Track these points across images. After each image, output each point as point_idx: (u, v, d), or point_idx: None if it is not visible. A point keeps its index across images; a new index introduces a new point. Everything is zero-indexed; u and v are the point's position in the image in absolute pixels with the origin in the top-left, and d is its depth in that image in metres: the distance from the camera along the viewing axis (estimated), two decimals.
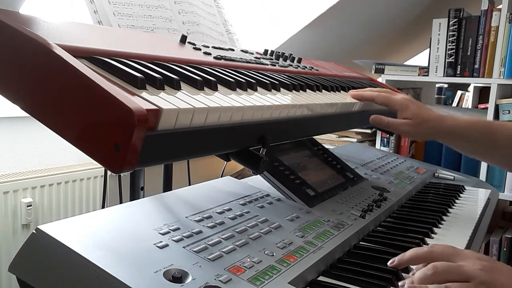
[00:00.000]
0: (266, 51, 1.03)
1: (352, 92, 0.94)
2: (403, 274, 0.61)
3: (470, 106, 2.29)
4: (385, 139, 2.05)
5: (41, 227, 0.50)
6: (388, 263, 0.62)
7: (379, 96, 0.92)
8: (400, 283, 0.59)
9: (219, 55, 0.79)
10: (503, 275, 0.56)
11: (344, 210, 0.79)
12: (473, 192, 1.14)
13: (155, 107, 0.44)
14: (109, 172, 1.13)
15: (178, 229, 0.58)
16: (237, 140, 0.59)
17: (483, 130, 0.91)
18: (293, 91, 0.77)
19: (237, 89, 0.63)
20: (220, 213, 0.66)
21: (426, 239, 0.76)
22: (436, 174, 1.27)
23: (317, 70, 1.09)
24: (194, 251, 0.53)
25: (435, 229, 0.82)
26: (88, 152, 0.45)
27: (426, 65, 2.01)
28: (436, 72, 1.95)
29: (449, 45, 1.91)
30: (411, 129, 0.90)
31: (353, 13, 2.07)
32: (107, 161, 0.43)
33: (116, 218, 0.59)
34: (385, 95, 0.93)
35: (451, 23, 1.90)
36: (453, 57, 1.91)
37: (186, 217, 0.62)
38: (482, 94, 2.14)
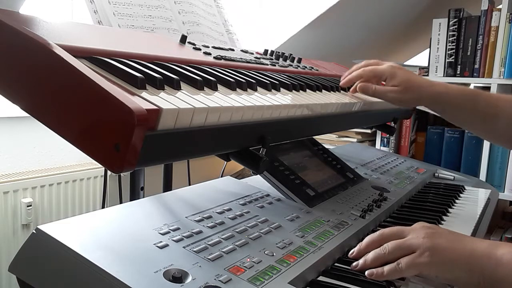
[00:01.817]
0: (266, 51, 1.03)
1: (341, 82, 0.93)
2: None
3: None
4: (385, 139, 2.05)
5: (41, 227, 0.50)
6: (349, 254, 0.65)
7: (365, 71, 0.91)
8: (353, 264, 0.62)
9: (219, 55, 0.79)
10: (443, 238, 0.61)
11: (344, 210, 0.79)
12: (473, 192, 1.14)
13: (155, 107, 0.44)
14: (109, 172, 1.13)
15: (178, 229, 0.58)
16: (237, 140, 0.59)
17: (472, 99, 0.89)
18: (293, 91, 0.77)
19: (237, 89, 0.64)
20: (220, 213, 0.66)
21: None
22: (436, 174, 1.27)
23: (317, 70, 1.09)
24: (194, 251, 0.53)
25: None
26: (88, 152, 0.45)
27: (426, 65, 2.01)
28: (436, 72, 1.95)
29: (449, 45, 1.91)
30: (398, 96, 0.88)
31: (353, 13, 2.07)
32: (107, 161, 0.43)
33: (116, 218, 0.59)
34: (371, 67, 0.91)
35: (451, 23, 1.90)
36: (453, 57, 1.91)
37: (186, 217, 0.62)
38: None
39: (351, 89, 0.93)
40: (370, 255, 0.62)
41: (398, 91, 0.87)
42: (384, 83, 0.91)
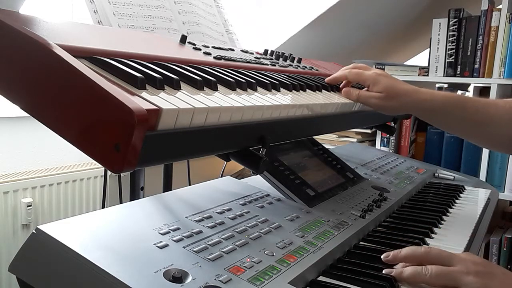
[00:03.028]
0: (266, 51, 1.03)
1: (327, 79, 0.92)
2: None
3: None
4: (385, 139, 2.05)
5: (41, 227, 0.50)
6: (383, 256, 0.63)
7: (350, 73, 0.90)
8: (388, 270, 0.59)
9: (219, 55, 0.79)
10: (496, 280, 0.55)
11: (344, 210, 0.79)
12: (473, 192, 1.14)
13: (155, 107, 0.44)
14: (109, 172, 1.13)
15: (178, 229, 0.58)
16: (237, 140, 0.59)
17: (460, 105, 0.87)
18: (293, 91, 0.77)
19: (237, 89, 0.63)
20: (220, 213, 0.66)
21: (426, 239, 0.76)
22: (436, 174, 1.27)
23: (317, 70, 1.09)
24: (194, 251, 0.53)
25: (435, 229, 0.82)
26: (88, 152, 0.45)
27: (426, 65, 2.01)
28: (436, 72, 1.95)
29: (449, 45, 1.91)
30: (381, 102, 0.86)
31: (353, 13, 2.07)
32: (107, 161, 0.43)
33: (116, 218, 0.59)
34: (357, 71, 0.90)
35: (451, 23, 1.90)
36: (453, 57, 1.91)
37: (186, 217, 0.62)
38: (482, 94, 2.14)
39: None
40: (409, 270, 0.58)
41: (380, 97, 0.86)
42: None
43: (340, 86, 0.93)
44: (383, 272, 0.60)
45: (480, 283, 0.54)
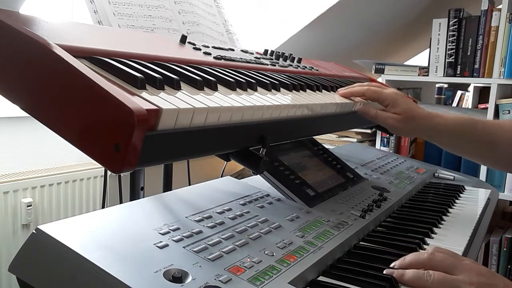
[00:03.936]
0: (266, 51, 1.03)
1: (340, 90, 0.91)
2: None
3: (470, 106, 2.29)
4: (385, 139, 2.05)
5: (41, 227, 0.50)
6: (390, 266, 0.62)
7: (369, 91, 0.90)
8: (389, 271, 0.60)
9: (219, 55, 0.79)
10: None
11: (344, 210, 0.79)
12: (473, 192, 1.14)
13: (155, 107, 0.44)
14: (109, 172, 1.13)
15: (178, 229, 0.58)
16: (237, 140, 0.59)
17: (469, 127, 0.90)
18: (293, 91, 0.77)
19: (237, 89, 0.64)
20: (220, 213, 0.66)
21: (426, 239, 0.76)
22: (436, 174, 1.27)
23: (317, 70, 1.09)
24: (194, 251, 0.53)
25: (435, 229, 0.82)
26: (88, 152, 0.45)
27: (426, 65, 2.01)
28: (436, 72, 1.95)
29: (449, 45, 1.91)
30: (398, 124, 0.88)
31: (353, 13, 2.07)
32: (107, 161, 0.43)
33: (116, 218, 0.59)
34: (375, 89, 0.91)
35: (451, 23, 1.90)
36: (453, 57, 1.91)
37: (186, 217, 0.62)
38: (482, 94, 2.14)
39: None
40: (411, 273, 0.58)
41: (399, 119, 0.88)
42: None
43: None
44: (384, 272, 0.60)
45: None
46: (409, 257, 0.61)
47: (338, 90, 0.92)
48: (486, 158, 0.96)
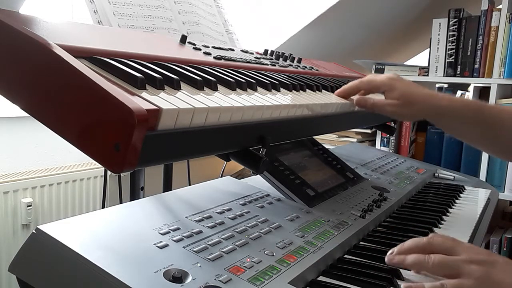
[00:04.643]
0: (266, 51, 1.03)
1: (336, 92, 0.89)
2: (402, 274, 0.61)
3: None
4: (385, 139, 2.05)
5: (41, 227, 0.50)
6: (388, 254, 0.63)
7: (362, 83, 0.86)
8: (389, 257, 0.60)
9: (219, 55, 0.79)
10: (498, 268, 0.56)
11: (344, 210, 0.79)
12: (473, 192, 1.14)
13: (155, 107, 0.44)
14: (109, 172, 1.13)
15: (178, 229, 0.58)
16: (237, 140, 0.59)
17: (475, 111, 0.84)
18: (293, 91, 0.77)
19: (237, 89, 0.64)
20: (220, 213, 0.66)
21: None
22: (436, 174, 1.27)
23: (317, 70, 1.09)
24: (194, 251, 0.53)
25: (435, 229, 0.82)
26: (88, 152, 0.45)
27: (426, 65, 2.01)
28: (436, 72, 1.95)
29: (449, 45, 1.91)
30: (398, 110, 0.83)
31: (353, 13, 2.07)
32: (107, 161, 0.43)
33: (116, 218, 0.59)
34: (368, 78, 0.87)
35: (451, 23, 1.90)
36: (453, 57, 1.91)
37: (186, 217, 0.62)
38: (482, 94, 2.14)
39: (337, 91, 0.89)
40: (411, 258, 0.58)
41: (398, 104, 0.82)
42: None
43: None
44: (386, 259, 0.60)
45: (482, 270, 0.55)
46: (408, 243, 0.62)
47: (335, 91, 0.90)
48: (490, 145, 0.90)
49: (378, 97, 0.87)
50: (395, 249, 0.62)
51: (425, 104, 0.83)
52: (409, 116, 0.87)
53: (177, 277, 0.47)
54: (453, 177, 1.26)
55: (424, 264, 0.58)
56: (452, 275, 0.56)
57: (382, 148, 2.04)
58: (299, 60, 1.07)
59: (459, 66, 1.91)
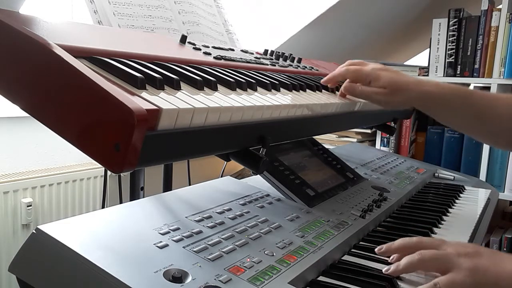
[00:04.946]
0: (266, 51, 1.03)
1: (323, 79, 0.89)
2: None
3: None
4: (385, 139, 2.05)
5: (41, 227, 0.50)
6: (376, 250, 0.64)
7: (348, 71, 0.86)
8: (384, 269, 0.61)
9: (219, 55, 0.79)
10: (485, 258, 0.58)
11: (344, 210, 0.79)
12: (473, 192, 1.14)
13: (155, 107, 0.44)
14: (109, 172, 1.13)
15: (178, 229, 0.58)
16: (237, 140, 0.59)
17: (465, 97, 0.84)
18: (293, 91, 0.77)
19: (237, 89, 0.64)
20: (220, 213, 0.66)
21: None
22: (436, 174, 1.27)
23: (317, 70, 1.09)
24: (194, 251, 0.53)
25: (435, 229, 0.82)
26: (88, 152, 0.45)
27: (426, 65, 2.01)
28: (436, 72, 1.95)
29: (449, 45, 1.91)
30: (384, 98, 0.83)
31: (353, 13, 2.07)
32: (107, 161, 0.43)
33: (116, 218, 0.59)
34: (355, 68, 0.86)
35: (451, 23, 1.90)
36: (453, 57, 1.91)
37: (186, 217, 0.62)
38: None
39: (338, 94, 0.89)
40: (404, 261, 0.60)
41: (384, 93, 0.82)
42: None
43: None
44: (383, 271, 0.61)
45: (470, 261, 0.57)
46: (398, 242, 0.64)
47: (322, 80, 0.90)
48: (479, 131, 0.90)
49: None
50: (384, 246, 0.64)
51: (412, 91, 0.83)
52: (396, 104, 0.86)
53: (177, 277, 0.47)
54: (453, 177, 1.26)
55: (416, 261, 0.59)
56: (443, 269, 0.58)
57: (382, 148, 2.04)
58: (299, 60, 1.07)
59: (459, 66, 1.91)
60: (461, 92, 0.84)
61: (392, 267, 0.61)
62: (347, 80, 0.88)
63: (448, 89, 0.84)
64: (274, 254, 0.58)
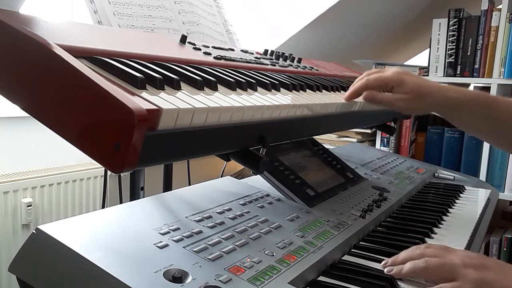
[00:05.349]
0: (266, 51, 1.03)
1: (345, 95, 0.87)
2: None
3: None
4: (385, 139, 2.05)
5: (41, 227, 0.50)
6: (382, 264, 0.63)
7: (369, 80, 0.84)
8: (386, 269, 0.61)
9: (219, 55, 0.79)
10: (490, 271, 0.57)
11: (344, 210, 0.79)
12: (473, 192, 1.14)
13: (155, 107, 0.44)
14: (109, 172, 1.13)
15: (178, 229, 0.58)
16: (237, 140, 0.59)
17: (485, 103, 0.83)
18: (293, 91, 0.77)
19: (237, 89, 0.64)
20: (220, 213, 0.66)
21: (426, 239, 0.76)
22: (436, 174, 1.27)
23: (317, 70, 1.09)
24: (194, 251, 0.53)
25: (435, 229, 0.82)
26: (88, 152, 0.45)
27: (426, 65, 2.01)
28: (436, 72, 1.95)
29: (449, 45, 1.91)
30: (408, 104, 0.82)
31: (353, 13, 2.07)
32: (107, 161, 0.43)
33: (116, 218, 0.59)
34: (376, 76, 0.85)
35: (451, 23, 1.90)
36: (453, 57, 1.91)
37: (186, 217, 0.62)
38: None
39: (346, 95, 0.86)
40: (408, 265, 0.59)
41: (408, 99, 0.81)
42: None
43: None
44: (385, 271, 0.60)
45: (476, 274, 0.56)
46: (402, 254, 0.63)
47: (344, 96, 0.87)
48: (499, 138, 0.88)
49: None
50: (389, 260, 0.63)
51: (435, 97, 0.82)
52: (419, 110, 0.85)
53: (177, 277, 0.47)
54: (453, 177, 1.26)
55: (421, 268, 0.58)
56: (448, 278, 0.57)
57: (382, 148, 2.04)
58: (299, 60, 1.07)
59: (459, 66, 1.91)
60: (482, 97, 0.84)
61: (395, 269, 0.60)
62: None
63: (470, 95, 0.83)
64: (274, 254, 0.58)
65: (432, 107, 0.85)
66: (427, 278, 0.59)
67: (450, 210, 0.95)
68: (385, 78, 0.84)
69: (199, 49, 0.79)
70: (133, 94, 0.46)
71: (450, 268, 0.58)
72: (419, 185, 1.11)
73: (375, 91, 0.85)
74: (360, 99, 0.88)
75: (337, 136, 2.04)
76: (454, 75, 1.92)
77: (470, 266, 0.57)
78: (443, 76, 1.94)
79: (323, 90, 0.87)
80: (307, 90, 0.82)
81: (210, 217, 0.64)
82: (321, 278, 0.60)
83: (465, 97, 0.83)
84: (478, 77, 1.86)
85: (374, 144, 2.08)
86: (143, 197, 0.98)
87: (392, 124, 1.24)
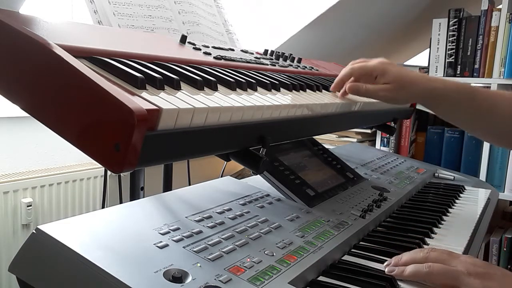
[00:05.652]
0: (266, 51, 1.03)
1: (332, 86, 0.87)
2: None
3: None
4: (385, 139, 2.05)
5: (41, 227, 0.50)
6: (384, 265, 0.63)
7: (354, 69, 0.85)
8: (387, 269, 0.60)
9: (219, 55, 0.79)
10: (496, 281, 0.56)
11: (344, 210, 0.79)
12: (473, 192, 1.14)
13: (155, 107, 0.44)
14: (109, 172, 1.13)
15: (178, 229, 0.58)
16: (237, 140, 0.59)
17: (469, 94, 0.83)
18: (293, 91, 0.77)
19: (237, 89, 0.64)
20: (220, 213, 0.66)
21: (426, 239, 0.76)
22: (436, 174, 1.27)
23: (317, 70, 1.09)
24: (194, 251, 0.53)
25: (435, 229, 0.82)
26: (88, 152, 0.45)
27: (426, 65, 2.01)
28: (436, 72, 1.95)
29: (449, 45, 1.91)
30: (391, 94, 0.81)
31: (353, 13, 2.07)
32: (107, 161, 0.43)
33: (116, 218, 0.59)
34: (360, 64, 0.86)
35: (451, 23, 1.90)
36: (453, 57, 1.91)
37: (186, 217, 0.62)
38: None
39: (340, 93, 0.87)
40: (411, 268, 0.59)
41: (390, 89, 0.81)
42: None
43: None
44: (386, 271, 0.60)
45: (480, 283, 0.55)
46: (405, 256, 0.62)
47: (331, 87, 0.89)
48: (481, 128, 0.89)
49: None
50: (392, 261, 0.63)
51: (418, 87, 0.82)
52: (402, 100, 0.85)
53: (177, 277, 0.47)
54: (453, 177, 1.26)
55: (423, 273, 0.58)
56: (451, 285, 0.57)
57: (382, 148, 2.04)
58: (299, 60, 1.07)
59: (459, 66, 1.91)
60: (466, 89, 0.84)
61: (397, 269, 0.60)
62: (351, 79, 0.86)
63: (454, 86, 0.83)
64: (274, 254, 0.58)
65: (415, 98, 0.85)
66: (428, 283, 0.59)
67: (450, 210, 0.95)
68: (369, 67, 0.84)
69: (199, 49, 0.79)
70: (133, 94, 0.46)
71: (454, 275, 0.57)
72: (419, 185, 1.11)
73: (360, 81, 0.85)
74: (360, 99, 0.89)
75: (337, 136, 2.04)
76: (454, 75, 1.92)
77: (474, 275, 0.56)
78: (443, 76, 1.94)
79: (323, 90, 0.87)
80: (307, 90, 0.82)
81: (210, 217, 0.64)
82: (321, 278, 0.60)
83: (449, 88, 0.83)
84: (478, 77, 1.86)
85: (374, 144, 2.08)
86: (143, 197, 0.98)
87: (392, 124, 1.24)
